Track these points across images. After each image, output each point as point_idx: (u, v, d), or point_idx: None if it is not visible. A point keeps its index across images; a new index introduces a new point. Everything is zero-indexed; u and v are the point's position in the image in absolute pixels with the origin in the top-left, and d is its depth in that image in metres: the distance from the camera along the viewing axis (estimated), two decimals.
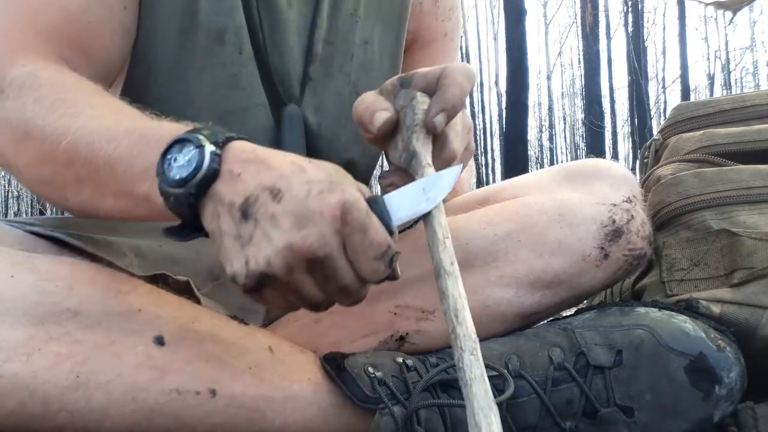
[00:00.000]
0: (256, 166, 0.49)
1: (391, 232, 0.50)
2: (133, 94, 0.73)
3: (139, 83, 0.74)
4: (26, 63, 0.61)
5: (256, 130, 0.76)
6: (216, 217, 0.48)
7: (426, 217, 0.55)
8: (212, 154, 0.48)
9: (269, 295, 0.48)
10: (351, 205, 0.47)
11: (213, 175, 0.48)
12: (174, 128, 0.52)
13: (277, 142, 0.78)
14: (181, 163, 0.48)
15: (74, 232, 0.62)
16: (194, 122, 0.54)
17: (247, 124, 0.76)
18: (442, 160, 0.58)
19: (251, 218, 0.46)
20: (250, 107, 0.76)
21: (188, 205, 0.48)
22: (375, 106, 0.60)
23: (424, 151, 0.58)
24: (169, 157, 0.49)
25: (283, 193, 0.47)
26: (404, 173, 0.59)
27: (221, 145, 0.49)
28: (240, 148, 0.50)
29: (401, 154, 0.59)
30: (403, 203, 0.53)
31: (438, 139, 0.59)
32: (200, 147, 0.48)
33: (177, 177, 0.48)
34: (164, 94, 0.74)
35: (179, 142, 0.49)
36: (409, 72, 0.63)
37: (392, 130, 0.60)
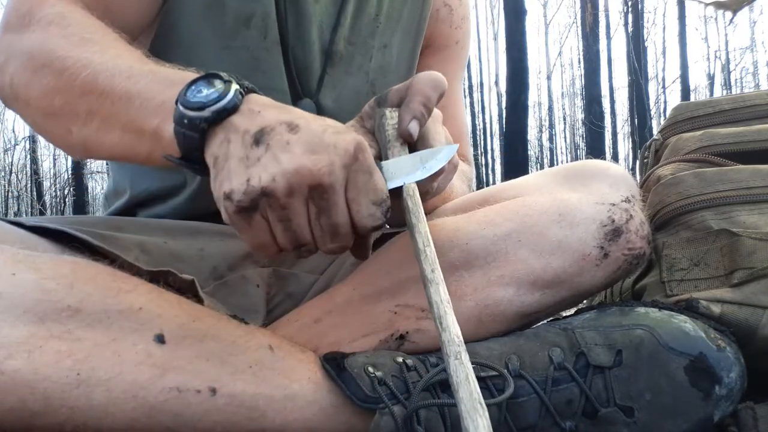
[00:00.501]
0: (277, 108, 0.51)
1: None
2: None
3: (159, 56, 0.75)
4: (56, 3, 0.63)
5: None
6: (225, 142, 0.49)
7: (409, 227, 0.55)
8: (236, 91, 0.50)
9: (256, 222, 0.48)
10: (365, 146, 0.50)
11: (233, 107, 0.49)
12: (199, 73, 0.54)
13: None
14: (205, 93, 0.50)
15: (79, 228, 0.62)
16: None
17: None
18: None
19: (263, 143, 0.47)
20: (269, 91, 0.77)
21: (200, 131, 0.49)
22: None
23: None
24: (193, 87, 0.51)
25: (300, 127, 0.48)
26: None
27: (247, 89, 0.52)
28: (263, 98, 0.53)
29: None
30: (399, 170, 0.55)
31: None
32: (227, 83, 0.50)
33: (197, 100, 0.49)
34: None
35: (207, 78, 0.51)
36: (383, 91, 0.67)
37: (377, 158, 0.63)
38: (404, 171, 0.55)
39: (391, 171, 0.54)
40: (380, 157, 0.62)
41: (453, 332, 0.46)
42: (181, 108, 0.50)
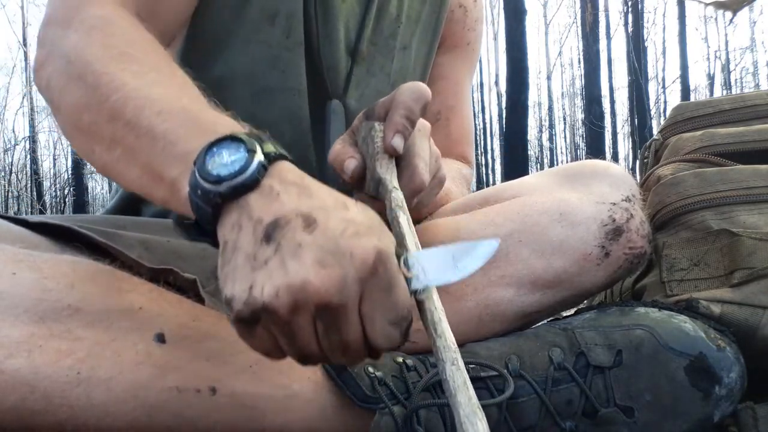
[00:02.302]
0: (298, 189, 0.45)
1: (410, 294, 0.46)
2: (183, 61, 0.75)
3: (187, 47, 0.76)
4: (105, 6, 0.60)
5: (284, 114, 0.78)
6: (237, 228, 0.44)
7: (393, 224, 0.55)
8: (259, 163, 0.45)
9: (258, 333, 0.44)
10: (386, 256, 0.43)
11: (253, 184, 0.44)
12: (231, 124, 0.50)
13: (305, 130, 0.79)
14: (225, 161, 0.45)
15: (82, 225, 0.62)
16: (235, 110, 0.52)
17: (278, 105, 0.78)
18: (410, 190, 0.60)
19: (274, 242, 0.42)
20: (285, 90, 0.78)
21: (213, 205, 0.45)
22: (342, 155, 0.63)
23: (390, 176, 0.60)
24: (215, 150, 0.46)
25: (318, 224, 0.43)
26: (375, 199, 0.61)
27: (272, 159, 0.46)
28: (288, 169, 0.47)
29: (368, 183, 0.62)
30: (428, 265, 0.48)
31: (406, 168, 0.61)
32: (251, 152, 0.45)
33: (215, 172, 0.44)
34: (207, 62, 0.76)
35: (232, 139, 0.46)
36: (371, 104, 0.65)
37: (364, 172, 0.62)
38: (432, 269, 0.48)
39: (419, 267, 0.48)
40: (370, 173, 0.61)
41: (449, 338, 0.46)
42: (197, 175, 0.45)
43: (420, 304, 0.47)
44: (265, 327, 0.43)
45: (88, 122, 0.54)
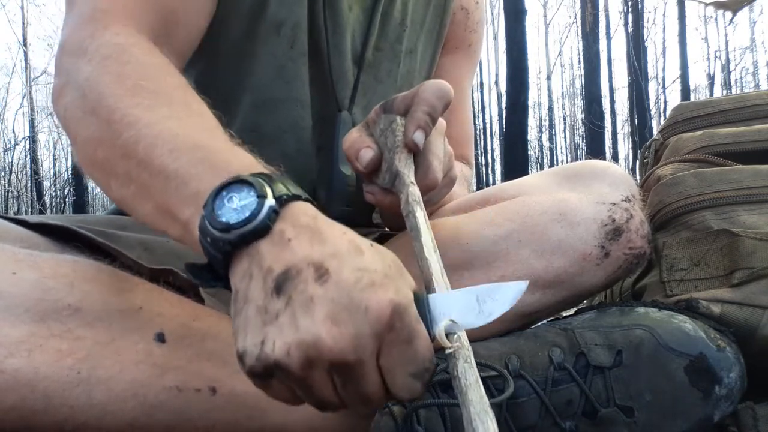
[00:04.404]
0: (310, 235, 0.43)
1: (431, 339, 0.44)
2: (188, 70, 0.75)
3: (196, 60, 0.75)
4: (120, 32, 0.59)
5: (287, 125, 0.78)
6: (248, 277, 0.43)
7: (408, 218, 0.55)
8: (270, 209, 0.43)
9: (275, 386, 0.42)
10: (404, 309, 0.41)
11: (263, 231, 0.43)
12: (245, 161, 0.49)
13: (307, 141, 0.79)
14: (235, 206, 0.43)
15: (82, 225, 0.62)
16: (265, 157, 0.49)
17: (281, 116, 0.78)
18: (423, 186, 0.60)
19: (285, 294, 0.41)
20: (289, 101, 0.77)
21: (223, 253, 0.44)
22: (359, 144, 0.63)
23: (407, 171, 0.60)
24: (224, 194, 0.44)
25: (330, 275, 0.41)
26: (387, 191, 0.62)
27: (284, 201, 0.45)
28: (301, 210, 0.45)
29: (384, 175, 0.62)
30: (450, 309, 0.46)
31: (421, 165, 0.61)
32: (261, 198, 0.43)
33: (224, 219, 0.43)
34: (216, 74, 0.76)
35: (241, 183, 0.44)
36: (389, 98, 0.65)
37: (379, 164, 0.62)
38: (455, 313, 0.46)
39: (439, 310, 0.45)
40: (387, 165, 0.61)
41: (462, 335, 0.46)
42: (206, 222, 0.44)
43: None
44: (280, 380, 0.42)
45: (102, 157, 0.53)
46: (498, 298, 0.46)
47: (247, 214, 0.43)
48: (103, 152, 0.53)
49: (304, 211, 0.45)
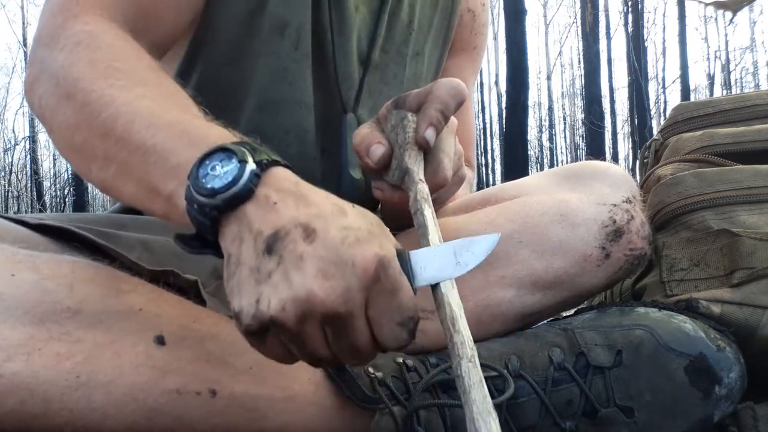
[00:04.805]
0: (294, 198, 0.45)
1: (414, 291, 0.46)
2: (186, 71, 0.75)
3: (195, 60, 0.75)
4: (90, 21, 0.60)
5: (290, 126, 0.78)
6: (238, 241, 0.44)
7: (416, 216, 0.55)
8: (252, 173, 0.45)
9: (269, 343, 0.44)
10: (387, 261, 0.44)
11: (247, 194, 0.44)
12: (221, 134, 0.50)
13: (310, 143, 0.79)
14: (218, 173, 0.45)
15: (82, 225, 0.62)
16: (241, 126, 0.51)
17: (284, 117, 0.77)
18: (433, 184, 0.61)
19: (276, 254, 0.42)
20: (291, 102, 0.77)
21: (210, 219, 0.45)
22: (370, 140, 0.63)
23: (417, 168, 0.60)
24: (207, 162, 0.46)
25: (317, 233, 0.43)
26: (396, 188, 0.62)
27: (264, 166, 0.46)
28: (283, 176, 0.47)
29: (394, 172, 0.62)
30: (429, 263, 0.49)
31: (431, 162, 0.62)
32: (243, 162, 0.45)
33: (209, 185, 0.44)
34: (217, 75, 0.76)
35: (223, 151, 0.46)
36: (401, 94, 0.65)
37: (389, 160, 0.62)
38: (434, 266, 0.48)
39: (421, 265, 0.48)
40: (397, 162, 0.61)
41: (467, 335, 0.46)
42: (192, 190, 0.45)
43: (438, 300, 0.48)
44: (275, 336, 0.44)
45: (80, 141, 0.54)
46: (473, 250, 0.49)
47: (230, 179, 0.44)
48: (81, 135, 0.54)
49: (285, 176, 0.47)
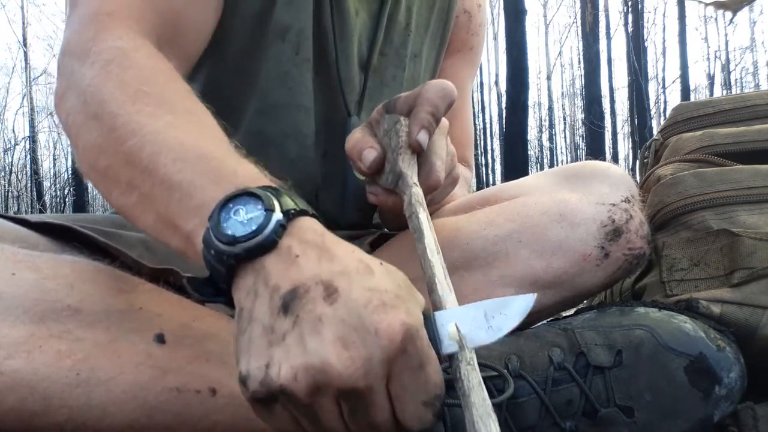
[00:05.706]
0: (318, 252, 0.42)
1: (439, 360, 0.42)
2: (192, 76, 0.75)
3: (201, 66, 0.75)
4: (122, 36, 0.58)
5: (290, 130, 0.78)
6: (253, 294, 0.41)
7: (411, 219, 0.55)
8: (277, 223, 0.42)
9: (277, 413, 0.40)
10: (416, 331, 0.39)
11: (270, 245, 0.41)
12: (251, 174, 0.47)
13: (310, 147, 0.79)
14: (241, 219, 0.42)
15: (83, 224, 0.62)
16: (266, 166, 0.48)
17: (284, 121, 0.77)
18: (426, 187, 0.61)
19: (292, 313, 0.39)
20: (292, 107, 0.77)
21: (227, 266, 0.42)
22: (362, 144, 0.63)
23: (410, 171, 0.60)
24: (231, 206, 0.43)
25: (340, 293, 0.39)
26: (390, 192, 0.62)
27: (292, 216, 0.43)
28: (309, 226, 0.43)
29: (387, 176, 0.62)
30: (459, 328, 0.44)
31: (424, 165, 0.62)
32: (269, 211, 0.42)
33: (230, 232, 0.42)
34: (222, 80, 0.76)
35: (249, 195, 0.43)
36: (392, 98, 0.65)
37: (382, 165, 0.62)
38: (462, 329, 0.43)
39: (447, 329, 0.43)
40: (390, 166, 0.61)
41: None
42: (211, 234, 0.42)
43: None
44: (284, 407, 0.40)
45: (104, 165, 0.52)
46: (506, 313, 0.44)
47: (254, 228, 0.41)
48: (105, 160, 0.52)
49: (311, 227, 0.44)
